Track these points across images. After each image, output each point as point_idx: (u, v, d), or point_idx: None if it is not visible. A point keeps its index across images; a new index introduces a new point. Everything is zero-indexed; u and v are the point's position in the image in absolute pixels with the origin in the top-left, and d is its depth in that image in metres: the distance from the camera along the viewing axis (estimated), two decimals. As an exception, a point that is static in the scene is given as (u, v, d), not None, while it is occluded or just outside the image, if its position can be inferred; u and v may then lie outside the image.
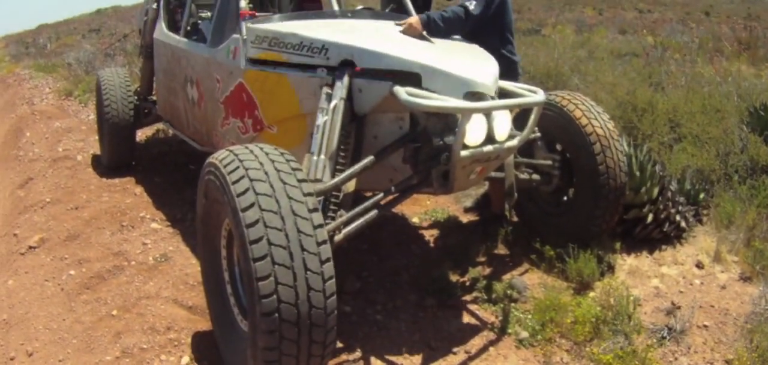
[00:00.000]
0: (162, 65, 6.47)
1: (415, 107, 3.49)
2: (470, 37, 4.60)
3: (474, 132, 3.52)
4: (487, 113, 3.59)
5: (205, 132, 5.40)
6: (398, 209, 5.67)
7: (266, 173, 2.91)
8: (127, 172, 7.04)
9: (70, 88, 13.07)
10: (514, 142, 3.81)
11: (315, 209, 2.88)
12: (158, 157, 7.71)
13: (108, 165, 7.19)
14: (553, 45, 13.03)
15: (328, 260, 2.83)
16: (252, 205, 2.79)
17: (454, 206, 5.89)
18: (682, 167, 5.85)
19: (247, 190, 2.85)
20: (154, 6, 6.78)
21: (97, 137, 7.81)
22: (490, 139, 3.64)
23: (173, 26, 6.42)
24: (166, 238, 5.33)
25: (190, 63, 5.54)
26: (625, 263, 4.82)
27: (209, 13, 5.77)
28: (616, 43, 14.46)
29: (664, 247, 5.03)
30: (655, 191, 4.99)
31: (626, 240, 5.01)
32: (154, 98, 7.16)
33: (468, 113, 3.44)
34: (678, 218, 5.08)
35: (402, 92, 3.46)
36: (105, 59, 15.85)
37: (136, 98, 7.15)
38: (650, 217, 4.95)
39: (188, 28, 6.00)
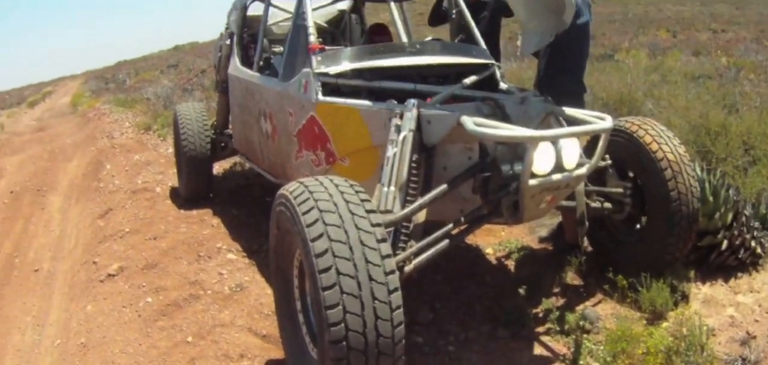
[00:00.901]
0: (236, 100, 6.64)
1: (482, 137, 3.53)
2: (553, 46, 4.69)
3: (542, 161, 3.52)
4: (555, 141, 3.61)
5: (279, 165, 5.50)
6: (472, 240, 5.68)
7: (335, 204, 2.98)
8: (204, 204, 7.22)
9: (148, 122, 13.52)
10: (584, 170, 3.79)
11: (383, 240, 2.94)
12: (236, 189, 7.91)
13: (186, 197, 7.42)
14: (626, 70, 12.84)
15: (396, 290, 2.88)
16: (321, 235, 2.87)
17: (529, 236, 5.85)
18: (757, 191, 5.66)
19: (316, 221, 2.92)
20: (228, 42, 6.99)
21: (175, 170, 8.04)
22: (558, 167, 3.63)
23: (247, 61, 6.58)
24: (241, 268, 5.46)
25: (263, 97, 5.68)
26: (700, 291, 4.69)
27: (281, 48, 5.92)
28: (689, 66, 14.13)
29: (740, 274, 4.87)
30: (730, 216, 4.86)
31: (701, 268, 4.87)
32: (230, 131, 7.33)
33: (535, 141, 3.45)
34: (753, 243, 4.92)
35: (469, 122, 3.49)
36: (183, 94, 16.37)
37: (212, 132, 7.36)
38: (725, 243, 4.80)
39: (261, 63, 6.15)
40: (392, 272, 2.90)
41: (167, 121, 12.24)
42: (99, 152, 11.53)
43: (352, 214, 2.96)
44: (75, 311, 5.12)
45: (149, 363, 4.14)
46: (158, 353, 4.23)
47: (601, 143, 3.89)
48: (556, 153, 3.58)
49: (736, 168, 6.21)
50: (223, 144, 7.44)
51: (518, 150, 3.63)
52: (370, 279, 2.82)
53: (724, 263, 4.87)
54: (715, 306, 4.52)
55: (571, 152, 3.67)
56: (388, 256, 2.92)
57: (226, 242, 6.07)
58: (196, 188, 7.33)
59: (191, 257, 5.73)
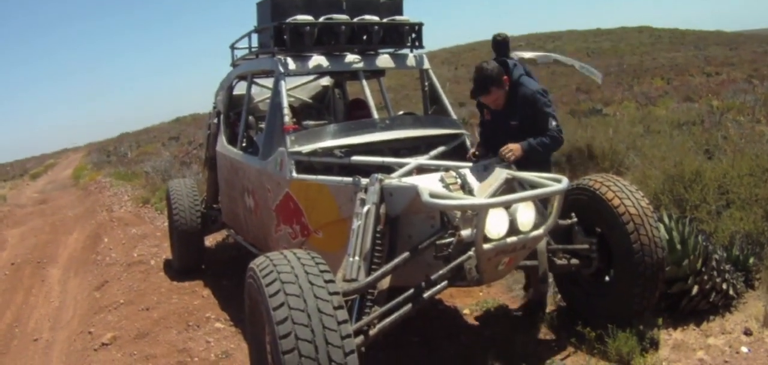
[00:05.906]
0: (223, 176, 6.89)
1: (435, 207, 3.75)
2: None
3: (495, 225, 3.72)
4: (509, 205, 3.80)
5: (262, 238, 5.72)
6: (451, 302, 5.85)
7: (296, 276, 3.21)
8: (196, 275, 7.43)
9: (147, 196, 13.79)
10: (540, 231, 3.98)
11: (340, 307, 3.15)
12: (228, 261, 8.08)
13: (179, 269, 7.63)
14: (613, 124, 12.92)
15: (351, 352, 3.07)
16: (282, 305, 3.09)
17: (505, 294, 5.98)
18: (730, 233, 5.74)
19: (278, 291, 3.15)
20: (215, 121, 7.24)
21: (169, 243, 8.24)
22: (513, 230, 3.83)
23: (233, 139, 6.81)
24: (228, 336, 5.64)
25: (246, 174, 5.92)
26: (671, 337, 4.79)
27: None
28: (677, 113, 14.27)
29: (712, 317, 4.97)
30: (699, 262, 4.98)
31: (673, 314, 4.97)
32: (219, 206, 7.53)
33: (484, 208, 3.66)
34: (725, 286, 5.02)
35: (424, 193, 3.71)
36: (181, 167, 16.63)
37: (203, 206, 7.58)
38: (695, 289, 4.92)
39: (244, 142, 6.39)
40: (348, 336, 3.10)
41: (164, 194, 12.43)
42: (98, 226, 11.81)
43: (312, 284, 3.18)
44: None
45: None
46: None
47: (556, 204, 4.08)
48: (509, 217, 3.78)
49: (709, 213, 6.29)
50: (213, 218, 7.65)
51: (478, 216, 3.81)
52: (327, 343, 3.02)
53: (696, 308, 4.99)
54: (686, 350, 4.63)
55: (526, 214, 3.88)
56: (345, 322, 3.12)
57: (215, 311, 6.26)
58: (188, 260, 7.55)
59: (181, 326, 5.93)
